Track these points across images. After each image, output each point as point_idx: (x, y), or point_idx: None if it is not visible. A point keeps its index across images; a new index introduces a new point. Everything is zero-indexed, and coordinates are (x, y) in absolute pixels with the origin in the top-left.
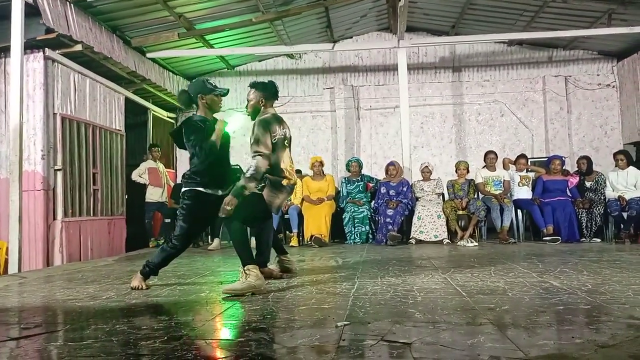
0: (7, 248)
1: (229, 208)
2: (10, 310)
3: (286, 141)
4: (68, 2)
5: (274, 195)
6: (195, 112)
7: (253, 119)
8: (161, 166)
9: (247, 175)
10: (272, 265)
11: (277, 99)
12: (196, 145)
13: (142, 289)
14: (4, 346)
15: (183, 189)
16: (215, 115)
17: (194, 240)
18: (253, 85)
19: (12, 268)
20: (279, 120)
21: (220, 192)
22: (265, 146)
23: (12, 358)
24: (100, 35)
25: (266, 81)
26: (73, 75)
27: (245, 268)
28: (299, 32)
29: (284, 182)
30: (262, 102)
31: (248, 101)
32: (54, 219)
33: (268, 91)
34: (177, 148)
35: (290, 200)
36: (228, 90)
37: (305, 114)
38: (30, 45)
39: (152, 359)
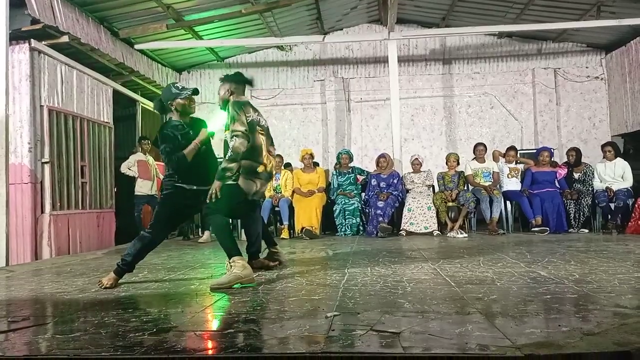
0: None
1: (214, 192)
2: None
3: (261, 129)
4: None
5: (250, 182)
6: (171, 116)
7: (224, 109)
8: (150, 159)
9: (227, 157)
10: (263, 257)
11: (251, 86)
12: (165, 154)
13: (109, 287)
14: None
15: (164, 181)
16: (195, 115)
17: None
18: (221, 80)
19: (0, 262)
20: (253, 107)
21: (195, 187)
22: (241, 123)
23: (1, 351)
24: (87, 27)
25: (233, 72)
26: (60, 67)
27: (230, 260)
28: (289, 24)
29: (259, 168)
30: (229, 92)
31: (218, 95)
32: (42, 212)
33: (236, 81)
34: None
35: (280, 192)
36: (194, 90)
37: (295, 106)
38: (16, 37)
39: (141, 350)
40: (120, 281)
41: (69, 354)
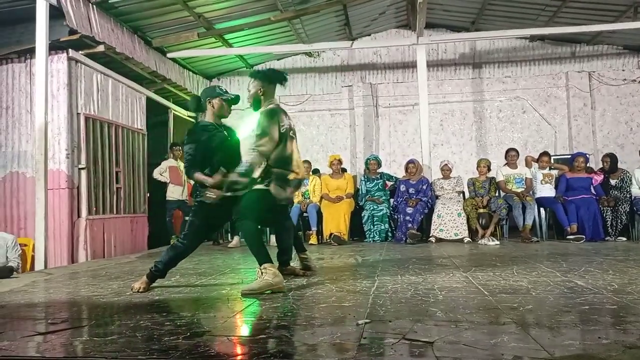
0: (33, 245)
1: (210, 195)
2: (37, 305)
3: (292, 132)
4: (91, 4)
5: (281, 189)
6: (202, 118)
7: (256, 109)
8: (182, 165)
9: (239, 170)
10: (294, 264)
11: (282, 86)
12: (187, 158)
13: (141, 291)
14: (32, 340)
15: (195, 188)
16: (225, 121)
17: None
18: (252, 75)
19: (39, 265)
20: (284, 111)
21: (228, 193)
22: (269, 139)
23: (40, 352)
24: (122, 36)
25: (267, 69)
26: (96, 76)
27: (261, 267)
28: (317, 30)
29: (291, 176)
30: (260, 91)
31: (249, 92)
32: (79, 216)
33: (268, 80)
34: None
35: (309, 198)
36: (237, 97)
37: (323, 112)
38: (55, 47)
39: (175, 354)
40: (152, 285)
41: (106, 357)
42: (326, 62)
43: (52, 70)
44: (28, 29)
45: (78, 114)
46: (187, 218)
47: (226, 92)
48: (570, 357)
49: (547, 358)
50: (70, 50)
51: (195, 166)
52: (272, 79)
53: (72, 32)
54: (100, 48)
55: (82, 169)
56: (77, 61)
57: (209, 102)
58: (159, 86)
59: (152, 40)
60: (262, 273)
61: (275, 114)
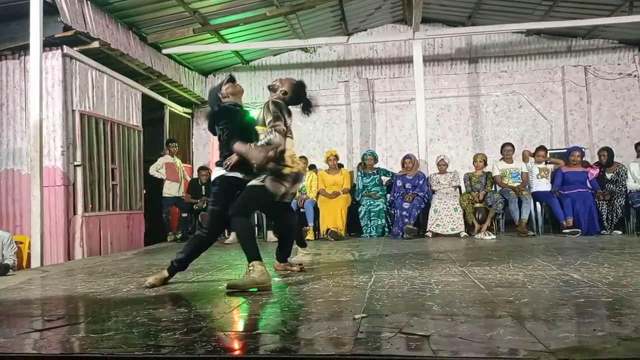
0: (29, 242)
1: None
2: (34, 302)
3: (289, 132)
4: (85, 0)
5: (277, 184)
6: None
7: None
8: (178, 161)
9: (260, 143)
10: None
11: (304, 113)
12: (225, 129)
13: (157, 285)
14: (28, 337)
15: (213, 178)
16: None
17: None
18: (293, 83)
19: (35, 262)
20: (289, 110)
21: (242, 176)
22: (283, 122)
23: (37, 349)
24: (117, 32)
25: (303, 86)
26: (91, 72)
27: (250, 264)
28: (313, 26)
29: (285, 170)
30: (284, 93)
31: (273, 88)
32: (75, 213)
33: (297, 95)
34: (193, 142)
35: (305, 194)
36: (231, 77)
37: (320, 107)
38: (49, 43)
39: (172, 350)
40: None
41: (103, 353)
42: (322, 57)
43: (46, 67)
44: (22, 25)
45: (73, 110)
46: (184, 215)
47: (232, 76)
48: (565, 349)
49: (542, 350)
50: (64, 46)
51: (234, 137)
52: (301, 98)
53: (67, 28)
54: (95, 44)
55: (78, 166)
56: (71, 57)
57: (222, 96)
58: (154, 82)
59: (147, 36)
60: (249, 270)
61: (285, 107)
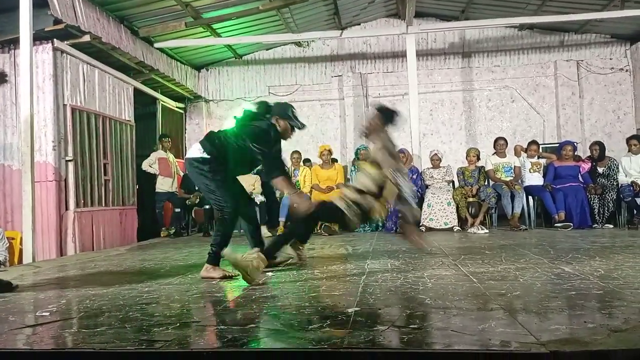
0: (21, 238)
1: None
2: (26, 298)
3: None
4: None
5: (356, 219)
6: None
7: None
8: (171, 156)
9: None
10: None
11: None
12: (264, 153)
13: (226, 277)
14: (21, 333)
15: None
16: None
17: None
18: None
19: (27, 258)
20: None
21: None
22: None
23: (29, 344)
24: (108, 26)
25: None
26: (82, 66)
27: (260, 255)
28: (306, 20)
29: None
30: (376, 122)
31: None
32: (66, 209)
33: (385, 116)
34: (186, 137)
35: (299, 189)
36: (303, 126)
37: (313, 102)
38: (39, 37)
39: (165, 345)
40: (142, 277)
41: (95, 348)
42: (316, 51)
43: (37, 61)
44: (11, 18)
45: (64, 105)
46: (177, 210)
47: (297, 118)
48: (556, 341)
49: (534, 342)
50: (55, 40)
51: (277, 170)
52: (392, 118)
53: (57, 21)
54: (86, 38)
55: (70, 161)
56: (62, 51)
57: (276, 120)
58: (146, 77)
59: (138, 30)
60: (254, 257)
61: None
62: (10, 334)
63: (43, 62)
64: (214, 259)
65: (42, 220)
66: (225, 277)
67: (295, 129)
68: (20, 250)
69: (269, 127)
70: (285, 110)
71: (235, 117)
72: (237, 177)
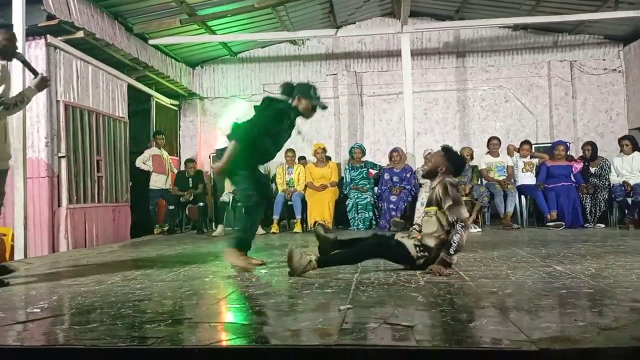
0: (13, 234)
1: None
2: (17, 294)
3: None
4: None
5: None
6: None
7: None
8: (165, 153)
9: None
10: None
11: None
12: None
13: (247, 269)
14: (12, 329)
15: None
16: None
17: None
18: (445, 150)
19: (18, 254)
20: None
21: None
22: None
23: (19, 341)
24: (102, 22)
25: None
26: (75, 62)
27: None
28: (301, 18)
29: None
30: (442, 169)
31: (431, 159)
32: (59, 205)
33: (453, 166)
34: (180, 134)
35: (293, 186)
36: (325, 107)
37: None
38: (32, 32)
39: (156, 341)
40: (135, 274)
41: (86, 344)
42: (311, 50)
43: (29, 57)
44: (3, 13)
45: (57, 101)
46: (171, 207)
47: (319, 98)
48: (547, 339)
49: (525, 340)
50: (48, 36)
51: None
52: (457, 163)
53: (50, 17)
54: (80, 34)
55: (62, 157)
56: (55, 47)
57: (298, 99)
58: (140, 73)
59: (133, 26)
60: (313, 261)
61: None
62: (0, 330)
63: (36, 57)
64: (240, 243)
65: (35, 216)
66: (247, 270)
67: (315, 108)
68: (12, 247)
69: (287, 108)
70: (307, 90)
71: (254, 106)
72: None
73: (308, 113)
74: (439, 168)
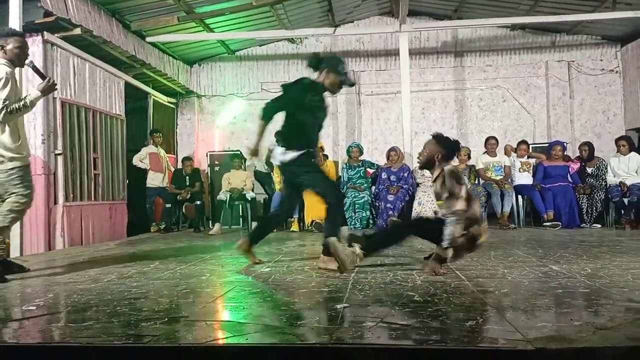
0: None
1: None
2: (13, 292)
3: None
4: None
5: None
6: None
7: (423, 168)
8: (162, 151)
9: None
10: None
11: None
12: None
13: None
14: (7, 327)
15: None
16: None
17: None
18: (436, 137)
19: (14, 252)
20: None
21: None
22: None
23: (15, 338)
24: (100, 19)
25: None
26: (72, 59)
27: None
28: (299, 16)
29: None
30: (438, 156)
31: (425, 150)
32: (55, 203)
33: (447, 149)
34: (177, 132)
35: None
36: (353, 84)
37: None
38: (29, 29)
39: (153, 339)
40: (131, 271)
41: (82, 342)
42: (309, 48)
43: None
44: (0, 10)
45: (54, 98)
46: (167, 205)
47: (346, 73)
48: (543, 338)
49: (521, 340)
50: (45, 32)
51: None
52: (452, 147)
53: (47, 14)
54: (77, 31)
55: (59, 154)
56: (52, 44)
57: (327, 72)
58: (138, 71)
59: (130, 23)
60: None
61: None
62: None
63: (33, 54)
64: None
65: (31, 214)
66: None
67: (343, 85)
68: (8, 244)
69: (312, 81)
70: (336, 65)
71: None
72: (232, 174)
73: (334, 88)
74: (435, 156)
